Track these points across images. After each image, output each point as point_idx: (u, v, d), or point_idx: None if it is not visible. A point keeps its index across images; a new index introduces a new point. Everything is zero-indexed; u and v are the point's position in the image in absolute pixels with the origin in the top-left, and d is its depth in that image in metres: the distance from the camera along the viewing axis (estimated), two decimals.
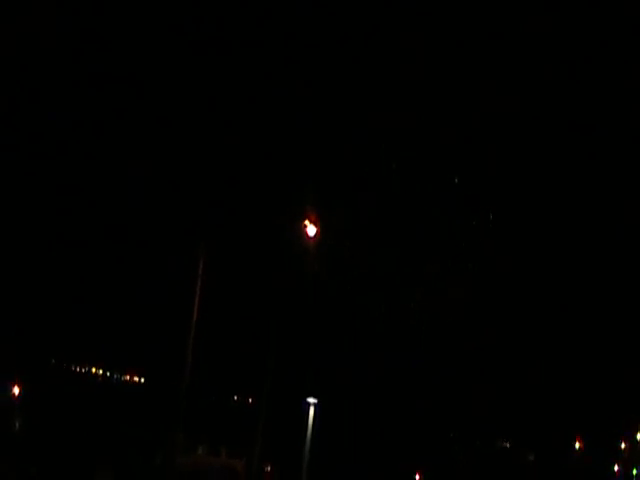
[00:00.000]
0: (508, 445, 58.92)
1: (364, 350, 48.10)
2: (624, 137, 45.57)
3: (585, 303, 50.77)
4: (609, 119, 45.37)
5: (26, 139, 40.80)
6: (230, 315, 46.41)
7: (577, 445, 60.39)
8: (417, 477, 52.58)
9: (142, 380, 55.04)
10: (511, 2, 42.71)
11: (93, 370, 54.82)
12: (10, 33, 38.62)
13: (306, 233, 40.99)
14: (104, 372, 55.22)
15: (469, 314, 47.74)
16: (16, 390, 47.15)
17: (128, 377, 55.51)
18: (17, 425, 45.85)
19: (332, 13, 41.21)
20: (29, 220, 43.14)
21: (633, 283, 50.18)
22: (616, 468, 62.97)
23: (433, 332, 48.24)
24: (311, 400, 44.02)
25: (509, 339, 50.41)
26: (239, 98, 41.26)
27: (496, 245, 47.24)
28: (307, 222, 40.60)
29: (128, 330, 47.87)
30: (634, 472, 62.98)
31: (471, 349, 49.63)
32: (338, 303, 46.31)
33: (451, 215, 45.94)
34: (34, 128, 40.81)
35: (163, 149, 42.13)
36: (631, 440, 62.30)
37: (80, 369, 54.13)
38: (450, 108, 43.65)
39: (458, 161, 45.03)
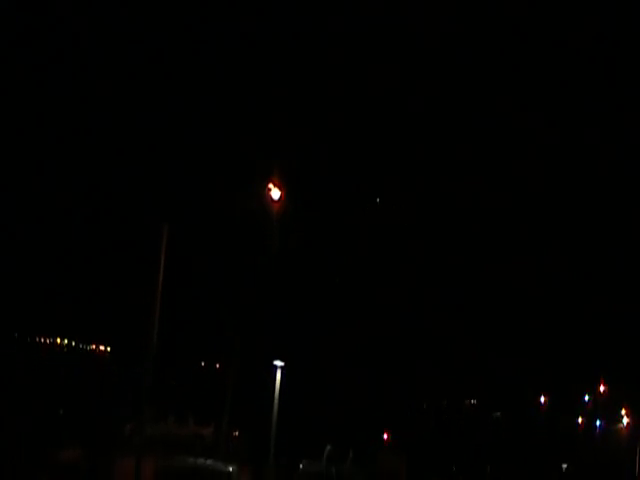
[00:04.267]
0: (474, 402, 58.54)
1: (334, 314, 47.09)
2: (624, 137, 45.02)
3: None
4: (609, 119, 44.82)
5: None
6: (196, 283, 44.97)
7: (542, 399, 60.29)
8: (385, 436, 51.99)
9: (108, 349, 53.68)
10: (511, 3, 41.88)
11: (58, 341, 53.35)
12: (10, 32, 37.19)
13: (270, 196, 38.99)
14: (69, 342, 53.70)
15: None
16: None
17: (94, 346, 54.05)
18: None
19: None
20: None
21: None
22: (580, 420, 63.06)
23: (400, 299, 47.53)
24: (278, 363, 42.54)
25: (473, 302, 49.89)
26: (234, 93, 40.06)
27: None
28: (271, 185, 38.55)
29: (93, 299, 46.30)
30: (597, 423, 63.11)
31: (440, 314, 48.99)
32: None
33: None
34: None
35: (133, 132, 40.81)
36: (594, 392, 62.25)
37: (45, 340, 52.56)
38: (450, 108, 42.90)
39: (458, 161, 44.23)
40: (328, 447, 47.59)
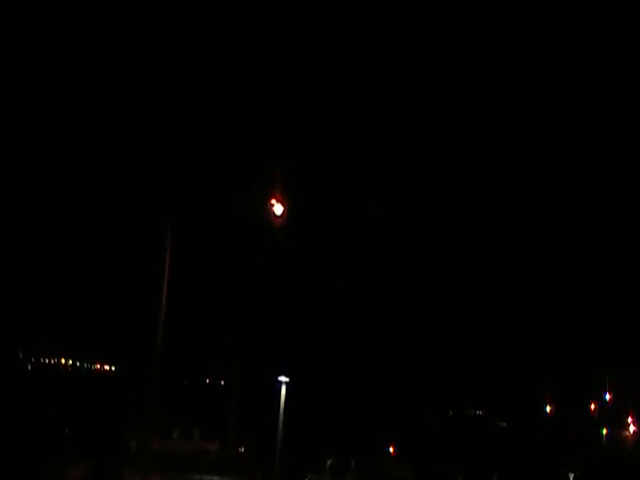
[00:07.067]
0: (480, 413, 57.63)
1: (334, 314, 46.31)
2: (624, 137, 44.64)
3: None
4: (609, 119, 44.52)
5: None
6: (199, 299, 44.13)
7: (548, 409, 59.38)
8: (391, 450, 50.92)
9: (113, 368, 52.92)
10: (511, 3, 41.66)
11: (62, 361, 52.61)
12: (10, 32, 36.93)
13: (273, 212, 38.45)
14: (74, 362, 52.98)
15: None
16: None
17: (98, 366, 53.37)
18: None
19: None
20: None
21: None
22: (586, 429, 61.97)
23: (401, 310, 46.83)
24: (283, 379, 41.53)
25: (475, 307, 49.10)
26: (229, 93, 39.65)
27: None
28: (274, 201, 37.99)
29: (96, 319, 45.50)
30: (603, 432, 61.98)
31: (441, 318, 48.22)
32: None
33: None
34: None
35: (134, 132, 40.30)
36: (600, 401, 61.37)
37: (49, 361, 51.81)
38: (450, 108, 42.72)
39: (458, 161, 43.82)
40: (329, 461, 46.75)
